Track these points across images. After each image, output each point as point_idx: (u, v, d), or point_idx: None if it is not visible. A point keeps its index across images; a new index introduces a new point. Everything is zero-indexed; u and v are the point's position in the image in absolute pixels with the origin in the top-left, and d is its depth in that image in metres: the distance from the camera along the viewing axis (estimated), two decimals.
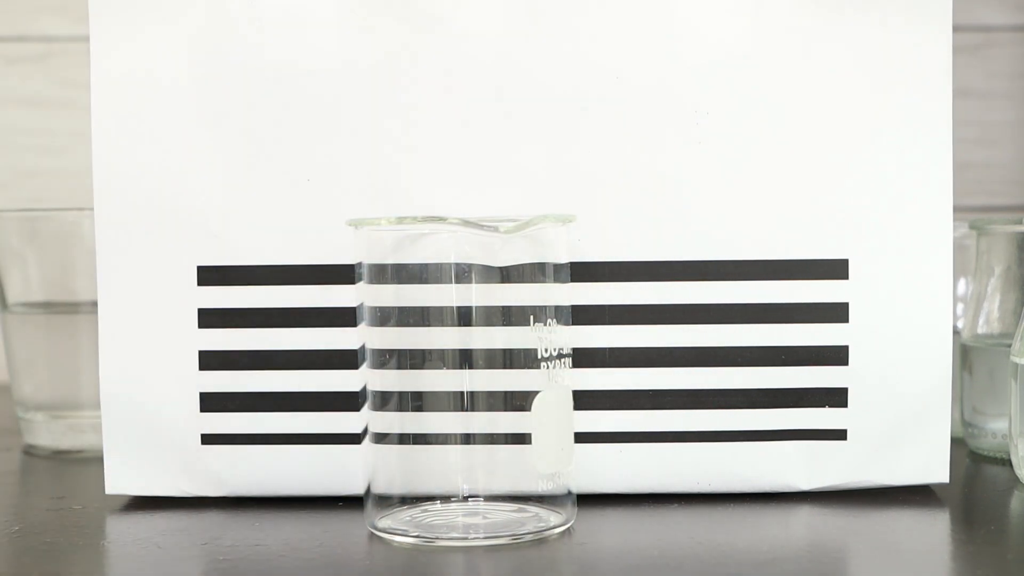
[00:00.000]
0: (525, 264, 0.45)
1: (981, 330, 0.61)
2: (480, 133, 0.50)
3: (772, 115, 0.50)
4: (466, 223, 0.44)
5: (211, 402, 0.51)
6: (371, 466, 0.47)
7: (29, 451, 0.64)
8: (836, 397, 0.51)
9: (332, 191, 0.50)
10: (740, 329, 0.50)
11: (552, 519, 0.46)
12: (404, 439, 0.46)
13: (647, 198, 0.50)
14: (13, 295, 0.65)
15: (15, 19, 0.88)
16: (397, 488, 0.47)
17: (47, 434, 0.64)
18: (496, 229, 0.44)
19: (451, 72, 0.50)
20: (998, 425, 0.58)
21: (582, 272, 0.50)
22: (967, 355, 0.60)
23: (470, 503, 0.46)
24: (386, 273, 0.46)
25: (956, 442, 0.59)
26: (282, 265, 0.50)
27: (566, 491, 0.46)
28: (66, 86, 0.88)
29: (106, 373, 0.51)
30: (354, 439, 0.50)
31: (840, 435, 0.51)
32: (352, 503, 0.50)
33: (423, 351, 0.45)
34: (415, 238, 0.45)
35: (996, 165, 0.87)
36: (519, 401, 0.45)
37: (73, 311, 0.64)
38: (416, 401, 0.46)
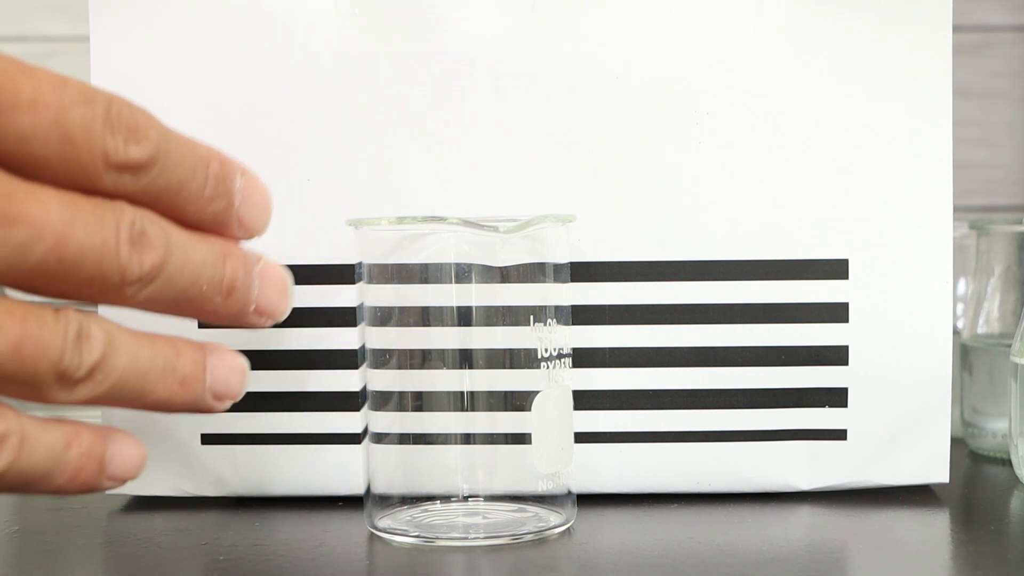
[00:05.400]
0: (525, 264, 0.45)
1: (981, 330, 0.61)
2: (480, 133, 0.50)
3: (772, 115, 0.50)
4: (466, 223, 0.44)
5: None
6: (371, 466, 0.47)
7: None
8: (836, 397, 0.51)
9: (332, 191, 0.50)
10: (740, 329, 0.50)
11: (552, 519, 0.46)
12: (404, 439, 0.46)
13: (647, 198, 0.50)
14: (14, 295, 0.65)
15: (15, 19, 0.88)
16: (397, 488, 0.47)
17: None
18: (496, 229, 0.44)
19: (451, 73, 0.50)
20: (998, 425, 0.58)
21: (582, 272, 0.50)
22: (967, 355, 0.60)
23: (470, 503, 0.46)
24: (386, 273, 0.46)
25: (956, 442, 0.59)
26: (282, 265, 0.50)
27: (566, 491, 0.46)
28: None
29: None
30: (354, 439, 0.50)
31: (840, 435, 0.51)
32: (352, 503, 0.50)
33: (423, 351, 0.45)
34: (415, 238, 0.45)
35: (996, 165, 0.87)
36: (519, 401, 0.45)
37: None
38: (416, 401, 0.46)
